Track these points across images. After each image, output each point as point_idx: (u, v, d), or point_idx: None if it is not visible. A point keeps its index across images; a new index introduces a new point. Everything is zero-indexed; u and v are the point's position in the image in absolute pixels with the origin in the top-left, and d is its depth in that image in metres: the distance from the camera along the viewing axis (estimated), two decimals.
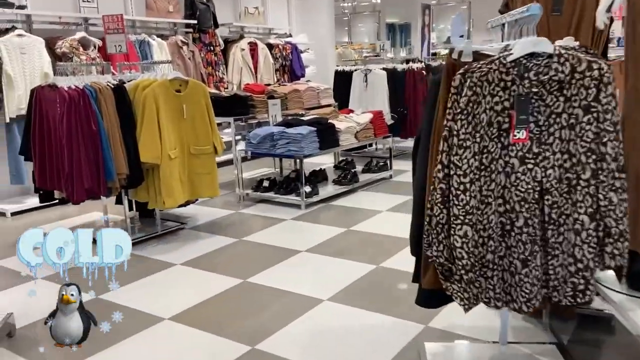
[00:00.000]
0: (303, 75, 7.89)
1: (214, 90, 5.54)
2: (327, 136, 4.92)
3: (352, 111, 5.82)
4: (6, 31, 4.80)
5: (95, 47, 5.38)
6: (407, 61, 7.09)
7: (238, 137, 5.63)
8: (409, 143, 7.74)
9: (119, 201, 4.10)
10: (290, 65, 7.81)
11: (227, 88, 6.98)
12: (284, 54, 7.70)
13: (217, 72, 6.89)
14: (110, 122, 3.59)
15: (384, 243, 3.78)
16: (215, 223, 4.42)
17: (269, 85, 6.11)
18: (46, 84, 3.65)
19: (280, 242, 3.87)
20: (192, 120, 3.94)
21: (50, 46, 5.19)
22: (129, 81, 4.00)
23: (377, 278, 3.21)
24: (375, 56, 12.78)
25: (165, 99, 3.77)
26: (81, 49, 5.24)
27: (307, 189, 4.77)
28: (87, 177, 3.49)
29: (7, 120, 4.76)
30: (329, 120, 5.13)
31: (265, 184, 5.10)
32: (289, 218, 4.47)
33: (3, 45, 4.65)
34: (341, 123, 5.19)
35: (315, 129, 4.80)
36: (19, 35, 4.78)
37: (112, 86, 3.69)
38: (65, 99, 3.44)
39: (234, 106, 5.05)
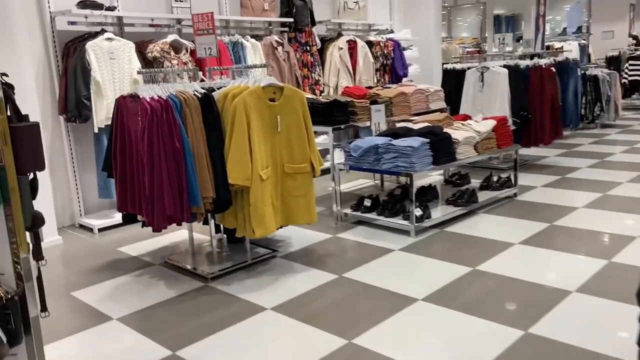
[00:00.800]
0: (405, 75, 7.16)
1: (310, 95, 4.99)
2: (442, 149, 4.18)
3: (468, 117, 5.02)
4: (95, 35, 4.53)
5: (187, 50, 5.01)
6: (532, 56, 6.13)
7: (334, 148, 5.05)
8: (533, 152, 6.80)
9: (205, 221, 3.64)
10: (392, 64, 7.11)
11: (322, 91, 6.43)
12: (385, 52, 7.01)
13: (312, 74, 6.35)
14: (196, 137, 3.12)
15: (531, 295, 2.96)
16: (310, 251, 3.85)
17: (370, 88, 5.46)
18: (128, 94, 3.25)
19: (390, 283, 3.20)
20: (287, 133, 3.38)
21: (141, 50, 4.88)
22: (219, 88, 3.53)
23: (533, 351, 2.44)
24: (478, 52, 11.73)
25: (257, 109, 3.24)
26: (172, 53, 4.89)
27: (418, 212, 4.06)
28: (169, 203, 3.03)
29: (96, 130, 4.49)
30: (444, 129, 4.39)
31: (367, 203, 4.46)
32: (396, 248, 3.80)
33: (92, 50, 4.38)
34: (458, 132, 4.43)
35: (428, 140, 4.08)
36: (108, 39, 4.49)
37: (199, 95, 3.21)
38: (147, 112, 3.00)
39: (332, 113, 4.45)
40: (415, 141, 4.03)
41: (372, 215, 4.35)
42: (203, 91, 3.26)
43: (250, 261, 3.60)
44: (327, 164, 5.07)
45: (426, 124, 4.64)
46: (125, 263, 3.78)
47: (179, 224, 3.19)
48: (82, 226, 4.73)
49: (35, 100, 4.13)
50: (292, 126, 3.38)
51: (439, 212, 4.35)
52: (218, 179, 3.17)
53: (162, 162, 3.01)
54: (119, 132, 3.28)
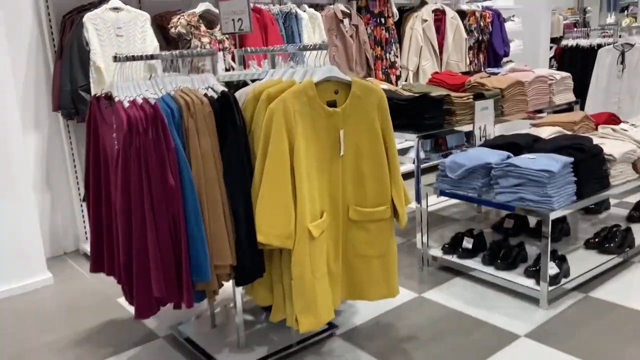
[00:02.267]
0: (506, 55, 5.63)
1: (386, 86, 3.65)
2: (589, 171, 2.74)
3: (616, 118, 3.50)
4: (99, 3, 3.37)
5: None
6: None
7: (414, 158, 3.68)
8: None
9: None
10: (489, 41, 5.59)
11: (399, 76, 5.04)
12: (482, 24, 5.50)
13: (387, 54, 4.97)
14: (205, 168, 1.88)
15: None
16: (386, 327, 2.55)
17: (467, 74, 4.03)
18: (103, 93, 2.04)
19: None
20: (355, 158, 2.08)
21: (162, 24, 3.70)
22: (254, 81, 2.28)
23: None
24: (574, 24, 9.90)
25: (308, 120, 1.95)
26: (203, 28, 3.67)
27: (553, 269, 2.67)
28: (158, 279, 1.82)
29: None
30: (585, 138, 2.93)
31: (467, 244, 3.10)
32: (521, 332, 2.44)
33: (91, 24, 3.22)
34: (609, 143, 2.96)
35: (572, 160, 2.66)
36: (115, 8, 3.32)
37: (215, 96, 1.97)
38: (123, 126, 1.78)
39: (420, 113, 3.09)
40: (551, 161, 2.61)
41: (474, 264, 2.99)
42: (222, 89, 2.00)
43: (295, 344, 2.36)
44: (407, 166, 3.74)
45: (557, 129, 3.20)
46: (118, 329, 2.64)
47: (178, 307, 1.98)
48: (86, 255, 3.68)
49: (11, 92, 3.03)
50: (363, 146, 2.07)
51: (576, 262, 2.93)
52: (241, 235, 1.93)
53: (147, 212, 1.80)
54: (92, 153, 2.09)
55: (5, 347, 2.54)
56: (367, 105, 2.05)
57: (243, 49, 2.58)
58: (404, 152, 4.85)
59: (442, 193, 3.04)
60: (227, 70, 3.59)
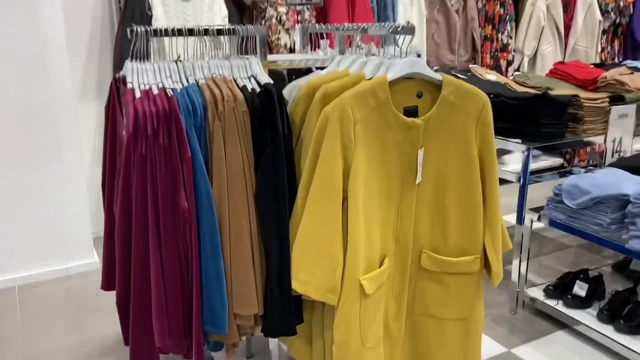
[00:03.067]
0: None
1: (493, 76, 2.94)
2: None
3: None
4: None
5: None
6: None
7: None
8: None
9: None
10: (628, 25, 4.62)
11: (511, 62, 4.26)
12: (621, 4, 4.53)
13: (500, 35, 4.21)
14: (230, 188, 1.41)
15: None
16: None
17: (601, 66, 3.22)
18: (123, 76, 1.63)
19: None
20: (437, 186, 1.51)
21: None
22: (319, 68, 1.78)
23: None
24: None
25: (374, 133, 1.40)
26: None
27: None
28: (161, 327, 1.40)
29: None
30: None
31: (579, 290, 2.43)
32: None
33: None
34: None
35: None
36: None
37: (254, 90, 1.48)
38: (130, 126, 1.35)
39: (536, 118, 2.40)
40: None
41: (586, 317, 2.33)
42: (266, 80, 1.51)
43: None
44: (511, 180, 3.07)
45: None
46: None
47: (187, 357, 1.56)
48: None
49: (64, 57, 2.74)
50: (450, 173, 1.50)
51: None
52: (272, 278, 1.45)
53: (151, 240, 1.37)
54: (109, 145, 1.69)
55: (42, 337, 2.30)
56: (463, 117, 1.46)
57: (310, 24, 2.05)
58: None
59: (553, 224, 2.37)
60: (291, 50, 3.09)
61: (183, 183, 1.35)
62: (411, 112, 1.46)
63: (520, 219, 2.47)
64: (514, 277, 2.55)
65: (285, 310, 1.45)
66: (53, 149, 2.79)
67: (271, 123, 1.43)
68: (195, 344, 1.43)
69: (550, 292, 2.50)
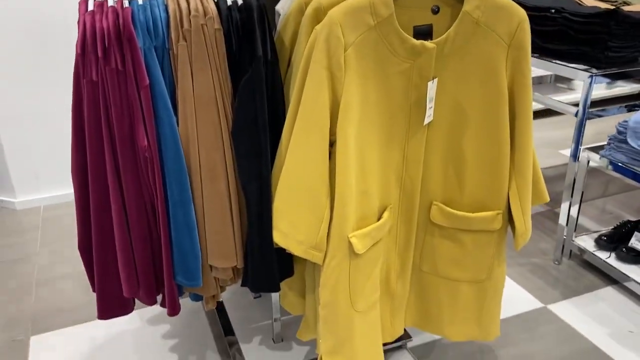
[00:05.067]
0: None
1: None
2: None
3: None
4: None
5: None
6: None
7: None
8: None
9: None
10: None
11: None
12: None
13: None
14: (200, 121, 1.19)
15: None
16: (477, 349, 1.80)
17: None
18: None
19: None
20: (452, 126, 1.23)
21: None
22: None
23: None
24: None
25: (372, 60, 1.12)
26: None
27: None
28: (128, 276, 1.26)
29: None
30: None
31: (636, 243, 2.10)
32: None
33: None
34: None
35: None
36: None
37: (229, 5, 1.22)
38: (77, 46, 1.15)
39: (603, 39, 1.97)
40: None
41: None
42: None
43: None
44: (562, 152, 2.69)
45: None
46: None
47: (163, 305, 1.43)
48: None
49: None
50: (471, 111, 1.20)
51: None
52: (253, 227, 1.26)
53: (110, 184, 1.20)
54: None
55: None
56: (491, 39, 1.15)
57: None
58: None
59: (615, 167, 2.02)
60: None
61: (142, 117, 1.15)
62: (423, 32, 1.16)
63: (575, 156, 2.12)
64: (562, 221, 2.24)
65: (267, 264, 1.27)
66: None
67: (250, 45, 1.18)
68: (168, 296, 1.29)
69: (602, 242, 2.19)
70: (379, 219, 1.25)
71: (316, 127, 1.12)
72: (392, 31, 1.11)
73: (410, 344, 1.81)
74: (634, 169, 1.94)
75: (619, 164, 1.99)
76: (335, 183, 1.16)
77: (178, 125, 1.18)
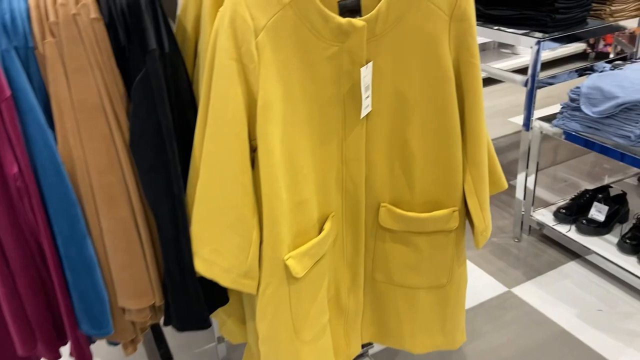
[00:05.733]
0: None
1: None
2: None
3: None
4: None
5: None
6: None
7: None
8: None
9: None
10: None
11: None
12: None
13: None
14: (88, 135, 0.97)
15: None
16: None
17: None
18: None
19: None
20: (394, 116, 1.04)
21: None
22: None
23: None
24: None
25: (291, 46, 0.91)
26: None
27: None
28: (20, 329, 1.03)
29: None
30: None
31: (596, 213, 2.01)
32: None
33: None
34: None
35: None
36: None
37: None
38: None
39: (550, 1, 1.83)
40: None
41: (605, 247, 1.93)
42: None
43: None
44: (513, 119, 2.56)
45: None
46: None
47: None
48: None
49: None
50: (414, 96, 1.01)
51: None
52: (169, 254, 1.05)
53: None
54: None
55: None
56: (429, 13, 0.96)
57: None
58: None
59: (569, 137, 1.90)
60: None
61: (7, 137, 0.91)
62: (350, 8, 0.96)
63: (527, 126, 1.99)
64: (519, 194, 2.12)
65: (191, 297, 1.06)
66: None
67: (139, 35, 0.95)
68: (75, 349, 1.07)
69: (561, 215, 2.09)
70: (320, 232, 1.07)
71: (231, 132, 0.92)
72: (312, 9, 0.90)
73: (372, 351, 1.66)
74: (589, 137, 1.82)
75: (573, 133, 1.87)
76: (262, 196, 0.96)
77: (57, 144, 0.95)
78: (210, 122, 0.93)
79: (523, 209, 2.13)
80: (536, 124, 1.96)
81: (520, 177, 2.09)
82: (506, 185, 1.25)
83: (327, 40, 0.94)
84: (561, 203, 2.18)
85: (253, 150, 0.96)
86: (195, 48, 1.06)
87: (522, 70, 3.50)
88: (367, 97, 1.00)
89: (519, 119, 3.21)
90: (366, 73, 0.97)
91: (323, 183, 1.05)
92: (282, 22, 0.90)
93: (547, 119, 1.97)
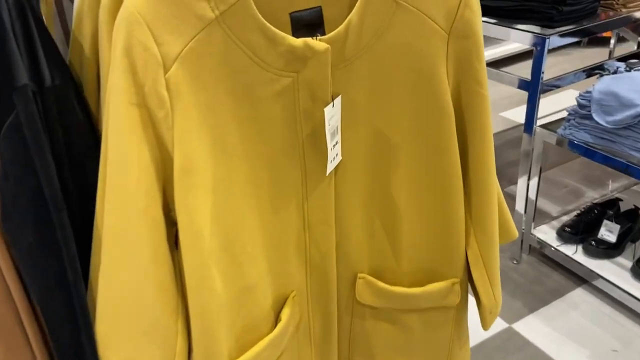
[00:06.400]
0: None
1: None
2: None
3: None
4: None
5: None
6: None
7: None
8: None
9: None
10: None
11: None
12: None
13: None
14: None
15: None
16: None
17: None
18: None
19: None
20: (374, 163, 0.76)
21: None
22: None
23: None
24: None
25: (222, 78, 0.62)
26: None
27: None
28: None
29: None
30: None
31: (607, 233, 1.76)
32: None
33: None
34: None
35: None
36: None
37: None
38: None
39: None
40: None
41: (615, 272, 1.70)
42: None
43: None
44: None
45: None
46: None
47: None
48: None
49: None
50: (399, 137, 0.73)
51: None
52: (86, 357, 0.78)
53: None
54: None
55: None
56: (419, 27, 0.68)
57: None
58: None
59: (573, 146, 1.64)
60: None
61: None
62: (307, 22, 0.67)
63: (530, 129, 1.72)
64: (519, 207, 1.87)
65: None
66: None
67: (4, 65, 0.66)
68: None
69: (566, 235, 1.84)
70: (276, 322, 0.79)
71: (135, 207, 0.63)
72: (250, 26, 0.62)
73: None
74: (600, 150, 1.57)
75: (583, 145, 1.62)
76: (187, 291, 0.68)
77: None
78: (109, 190, 0.65)
79: (523, 226, 1.88)
80: (539, 132, 1.70)
81: (521, 186, 1.83)
82: (516, 235, 0.99)
83: (275, 69, 0.65)
84: (565, 219, 1.94)
85: (175, 224, 0.68)
86: (96, 72, 0.77)
87: (510, 59, 3.19)
88: (336, 143, 0.72)
89: (511, 114, 2.96)
90: (333, 112, 0.69)
91: (278, 258, 0.77)
92: (206, 46, 0.61)
93: (551, 126, 1.71)
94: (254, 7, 0.62)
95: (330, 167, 0.72)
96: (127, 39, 0.58)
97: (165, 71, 0.60)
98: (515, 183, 1.87)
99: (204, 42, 0.61)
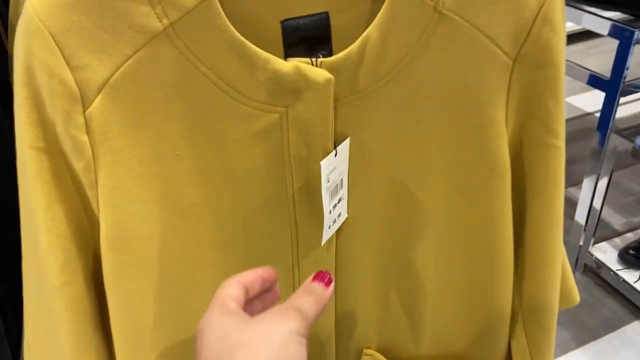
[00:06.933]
0: None
1: None
2: None
3: None
4: None
5: None
6: None
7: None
8: None
9: None
10: None
11: None
12: None
13: None
14: None
15: None
16: None
17: None
18: None
19: None
20: (390, 224, 0.56)
21: None
22: None
23: None
24: None
25: (175, 113, 0.43)
26: None
27: None
28: None
29: None
30: None
31: None
32: None
33: None
34: None
35: None
36: None
37: None
38: None
39: None
40: None
41: None
42: None
43: None
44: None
45: None
46: None
47: None
48: None
49: None
50: (431, 197, 0.53)
51: None
52: None
53: None
54: None
55: None
56: (471, 49, 0.46)
57: None
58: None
59: None
60: None
61: None
62: (307, 35, 0.46)
63: (602, 143, 1.46)
64: (579, 217, 1.62)
65: None
66: None
67: None
68: None
69: (630, 258, 1.59)
70: None
71: (48, 284, 0.46)
72: (216, 41, 0.42)
73: None
74: None
75: None
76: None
77: None
78: (23, 249, 0.48)
79: (581, 242, 1.64)
80: (613, 140, 1.44)
81: (585, 193, 1.58)
82: (578, 300, 0.77)
83: (255, 101, 0.45)
84: (630, 236, 1.68)
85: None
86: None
87: None
88: (339, 201, 0.52)
89: (578, 100, 2.65)
90: (336, 163, 0.49)
91: None
92: (149, 70, 0.41)
93: (628, 134, 1.44)
94: (223, 15, 0.41)
95: (328, 234, 0.53)
96: (27, 59, 0.39)
97: (85, 106, 0.41)
98: (575, 184, 1.62)
99: (145, 63, 0.41)
